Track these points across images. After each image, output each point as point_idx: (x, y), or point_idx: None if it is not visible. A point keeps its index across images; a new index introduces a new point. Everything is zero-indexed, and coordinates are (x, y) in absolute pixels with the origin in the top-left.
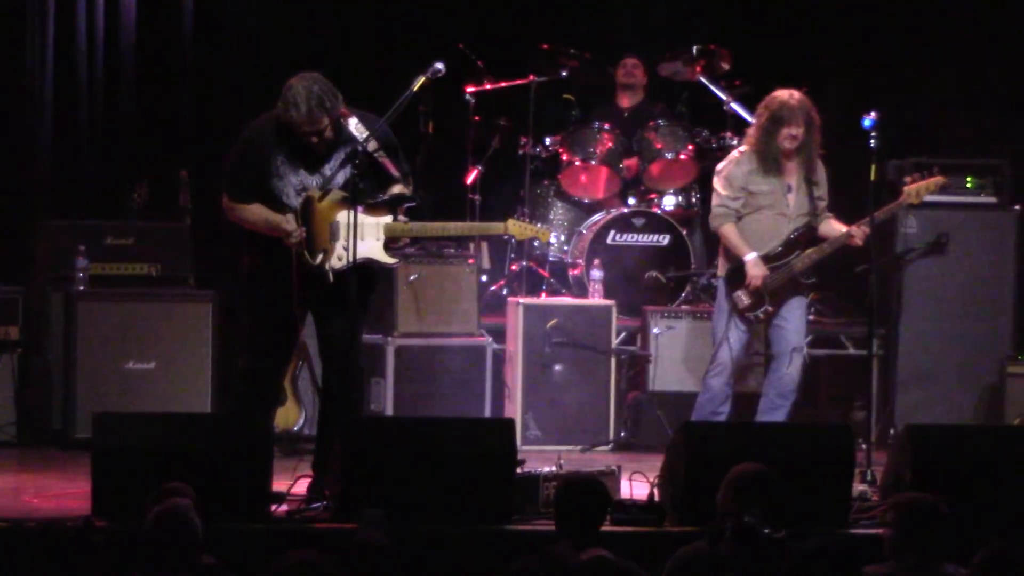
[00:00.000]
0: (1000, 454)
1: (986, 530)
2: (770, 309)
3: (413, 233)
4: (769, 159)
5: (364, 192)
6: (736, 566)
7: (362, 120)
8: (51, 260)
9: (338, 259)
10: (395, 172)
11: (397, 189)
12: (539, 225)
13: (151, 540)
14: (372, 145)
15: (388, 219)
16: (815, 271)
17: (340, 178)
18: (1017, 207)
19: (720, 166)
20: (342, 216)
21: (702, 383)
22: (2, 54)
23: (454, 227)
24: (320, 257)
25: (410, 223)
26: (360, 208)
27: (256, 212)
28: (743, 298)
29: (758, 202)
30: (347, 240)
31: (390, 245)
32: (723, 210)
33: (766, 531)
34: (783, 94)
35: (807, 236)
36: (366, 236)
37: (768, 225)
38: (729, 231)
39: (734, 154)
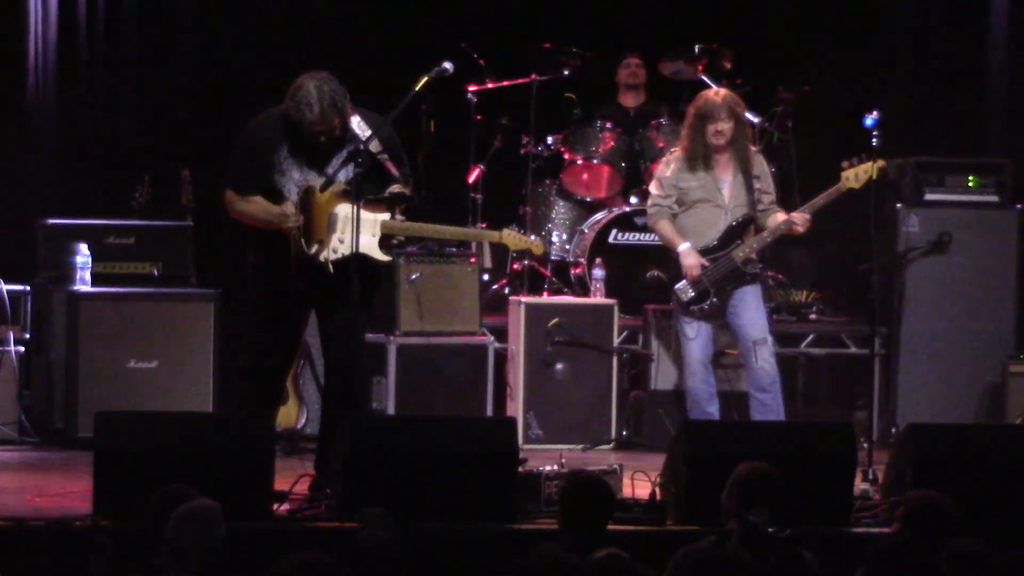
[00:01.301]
0: (1002, 453)
1: (988, 529)
2: (715, 301)
3: (409, 232)
4: (697, 156)
5: (365, 189)
6: (741, 565)
7: (364, 118)
8: (53, 259)
9: (333, 251)
10: (396, 172)
11: (397, 188)
12: (533, 238)
13: (174, 538)
14: (374, 145)
15: (385, 216)
16: (758, 261)
17: (342, 176)
18: (1019, 206)
19: (654, 168)
20: (340, 208)
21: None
22: (3, 52)
23: (450, 231)
24: (315, 247)
25: (407, 222)
26: (359, 203)
27: (256, 204)
28: (687, 291)
29: (691, 197)
30: (343, 232)
31: (385, 243)
32: (655, 208)
33: (771, 530)
34: (708, 92)
35: (746, 227)
36: (362, 231)
37: (704, 218)
38: (662, 226)
39: (667, 156)
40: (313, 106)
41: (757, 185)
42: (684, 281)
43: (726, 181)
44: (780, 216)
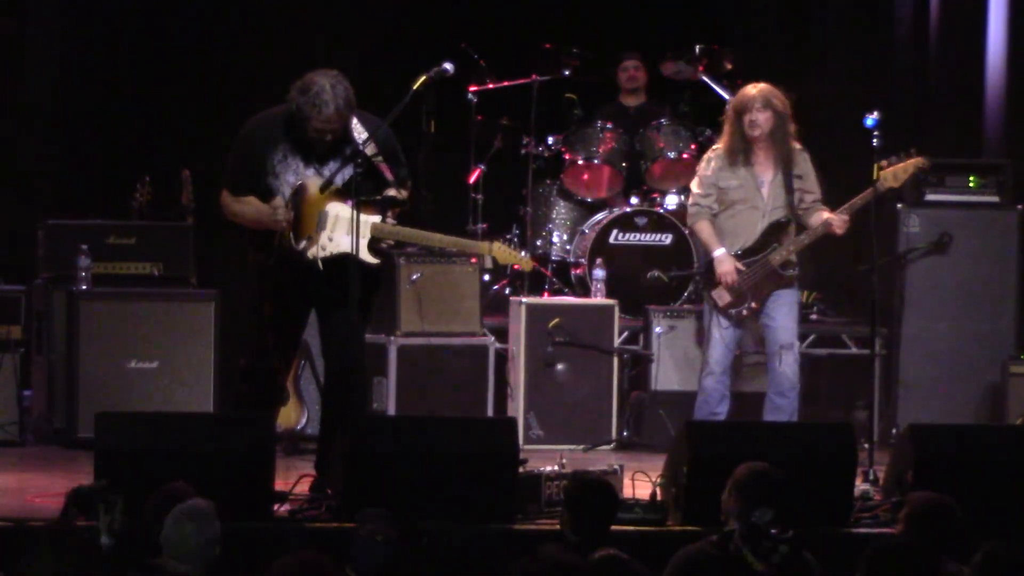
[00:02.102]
0: (1002, 454)
1: (988, 530)
2: (754, 305)
3: (399, 237)
4: (737, 152)
5: (359, 191)
6: (741, 566)
7: (361, 121)
8: (53, 259)
9: (321, 248)
10: (390, 176)
11: (391, 192)
12: (523, 254)
13: (170, 538)
14: (370, 149)
15: (376, 219)
16: (796, 264)
17: (339, 179)
18: (1020, 206)
19: (698, 167)
20: (331, 207)
21: (698, 385)
22: (4, 52)
23: (439, 239)
24: (303, 244)
25: (397, 227)
26: (350, 203)
27: (250, 205)
28: (723, 295)
29: (730, 197)
30: (332, 231)
31: (375, 245)
32: (695, 208)
33: (773, 531)
34: (746, 87)
35: (783, 229)
36: (352, 232)
37: (742, 220)
38: (701, 228)
39: (708, 153)
40: (329, 104)
41: (799, 185)
42: (720, 286)
43: (765, 181)
44: (824, 215)
